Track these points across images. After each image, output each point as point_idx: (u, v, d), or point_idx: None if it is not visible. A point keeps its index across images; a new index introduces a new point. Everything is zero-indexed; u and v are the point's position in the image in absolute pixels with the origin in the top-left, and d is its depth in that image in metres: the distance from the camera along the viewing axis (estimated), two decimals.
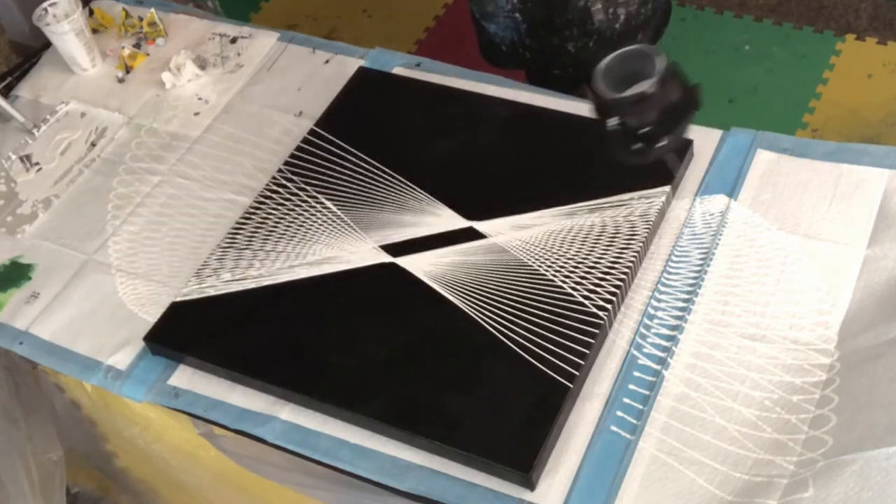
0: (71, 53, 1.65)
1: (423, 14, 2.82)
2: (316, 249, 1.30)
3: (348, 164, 1.38)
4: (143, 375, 1.24)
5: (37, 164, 1.55)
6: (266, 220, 1.35)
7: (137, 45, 1.69)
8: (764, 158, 1.29)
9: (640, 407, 1.09)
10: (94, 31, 1.71)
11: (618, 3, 1.61)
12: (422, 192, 1.33)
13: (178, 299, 1.28)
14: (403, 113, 1.46)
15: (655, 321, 1.16)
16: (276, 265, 1.29)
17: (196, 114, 1.56)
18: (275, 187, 1.38)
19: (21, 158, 1.56)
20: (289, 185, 1.38)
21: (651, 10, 1.67)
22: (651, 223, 1.22)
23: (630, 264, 1.18)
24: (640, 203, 1.24)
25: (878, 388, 1.01)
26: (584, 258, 1.20)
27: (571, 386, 1.09)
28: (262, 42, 1.65)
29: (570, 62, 1.71)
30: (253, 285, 1.27)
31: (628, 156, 1.22)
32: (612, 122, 1.19)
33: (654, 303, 1.17)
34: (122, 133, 1.56)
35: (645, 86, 1.16)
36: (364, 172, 1.37)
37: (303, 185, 1.37)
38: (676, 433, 1.06)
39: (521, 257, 1.22)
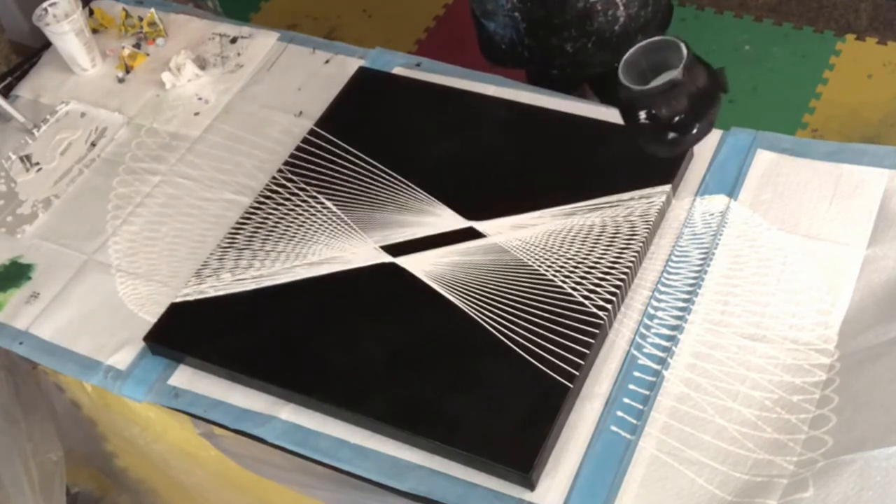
0: (71, 53, 1.65)
1: (423, 14, 2.82)
2: (316, 249, 1.30)
3: (348, 164, 1.38)
4: (143, 375, 1.24)
5: (37, 164, 1.55)
6: (266, 220, 1.35)
7: (137, 45, 1.69)
8: (764, 158, 1.29)
9: (640, 407, 1.09)
10: (94, 31, 1.71)
11: (617, 5, 1.60)
12: (422, 192, 1.33)
13: (178, 299, 1.28)
14: (403, 113, 1.46)
15: (655, 321, 1.16)
16: (276, 265, 1.29)
17: (196, 114, 1.56)
18: (275, 187, 1.38)
19: (21, 158, 1.56)
20: (289, 185, 1.38)
21: (651, 13, 1.67)
22: (651, 223, 1.22)
23: (630, 264, 1.18)
24: (640, 203, 1.24)
25: (878, 388, 1.01)
26: (584, 258, 1.20)
27: (571, 386, 1.09)
28: (262, 42, 1.65)
29: (568, 62, 1.71)
30: (253, 285, 1.27)
31: (661, 147, 1.21)
32: (643, 114, 1.18)
33: (654, 303, 1.17)
34: (122, 133, 1.56)
35: (672, 74, 1.15)
36: (364, 172, 1.37)
37: (303, 185, 1.37)
38: (676, 433, 1.06)
39: (521, 257, 1.22)
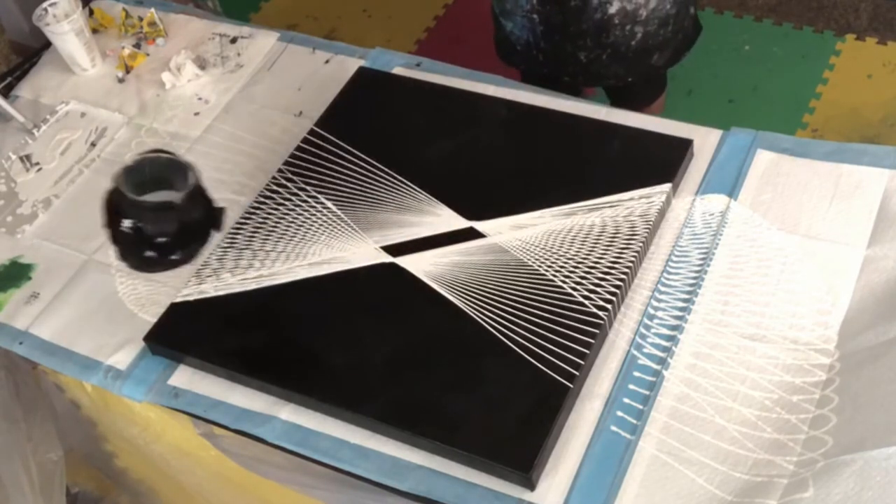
0: (71, 53, 1.65)
1: (423, 14, 2.82)
2: (316, 249, 1.30)
3: (348, 164, 1.38)
4: (143, 375, 1.24)
5: (37, 164, 1.55)
6: (266, 220, 1.35)
7: (137, 45, 1.69)
8: (764, 158, 1.29)
9: (640, 407, 1.09)
10: (94, 31, 1.71)
11: (636, 20, 1.60)
12: (422, 192, 1.33)
13: (178, 299, 1.28)
14: (403, 113, 1.46)
15: (655, 321, 1.16)
16: (276, 265, 1.29)
17: (196, 114, 1.56)
18: (275, 187, 1.38)
19: (21, 158, 1.56)
20: (289, 185, 1.38)
21: (671, 33, 1.66)
22: (651, 223, 1.22)
23: (630, 264, 1.18)
24: (640, 203, 1.24)
25: (878, 388, 1.01)
26: (584, 258, 1.20)
27: (571, 386, 1.09)
28: (262, 42, 1.65)
29: (581, 71, 1.70)
30: (253, 286, 1.27)
31: (135, 261, 1.24)
32: (128, 223, 1.20)
33: (654, 303, 1.17)
34: (122, 133, 1.56)
35: (172, 196, 1.18)
36: (364, 172, 1.37)
37: (303, 185, 1.37)
38: (676, 433, 1.06)
39: (521, 257, 1.22)
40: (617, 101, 1.93)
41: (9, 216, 1.48)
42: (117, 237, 1.23)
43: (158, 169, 1.23)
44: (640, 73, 1.72)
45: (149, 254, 1.22)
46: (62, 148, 1.57)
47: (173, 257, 1.22)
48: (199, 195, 1.22)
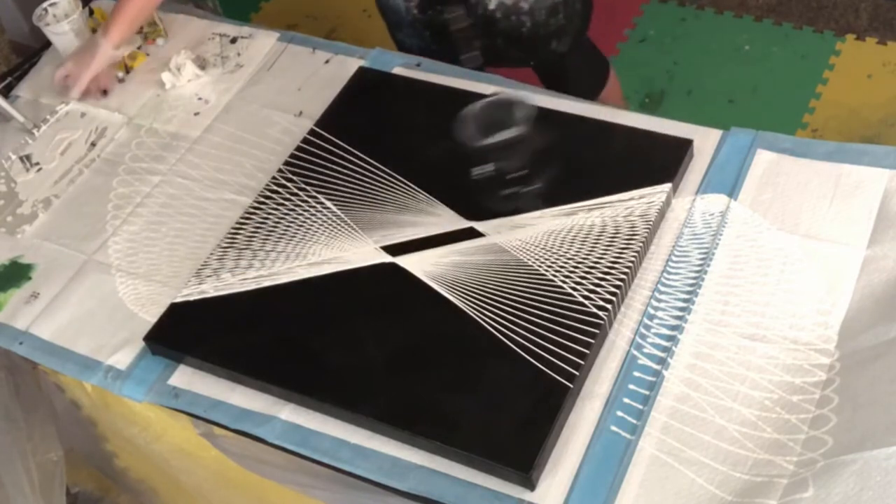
0: None
1: None
2: (316, 249, 1.30)
3: (348, 164, 1.38)
4: (143, 375, 1.24)
5: (37, 164, 1.55)
6: (266, 220, 1.35)
7: (138, 45, 1.69)
8: (764, 158, 1.29)
9: (640, 407, 1.09)
10: (94, 31, 1.71)
11: (520, 13, 1.58)
12: (422, 192, 1.33)
13: (178, 299, 1.28)
14: (403, 113, 1.46)
15: (655, 321, 1.16)
16: (276, 265, 1.29)
17: (196, 114, 1.56)
18: (275, 187, 1.38)
19: (21, 158, 1.56)
20: (289, 185, 1.38)
21: (564, 20, 1.63)
22: (651, 223, 1.22)
23: (630, 264, 1.18)
24: (640, 203, 1.24)
25: (878, 388, 1.01)
26: (584, 258, 1.20)
27: (571, 386, 1.09)
28: (262, 42, 1.65)
29: (482, 55, 1.69)
30: (253, 286, 1.27)
31: (498, 202, 1.24)
32: (484, 168, 1.21)
33: (654, 303, 1.17)
34: (122, 133, 1.56)
35: (515, 131, 1.19)
36: (364, 172, 1.37)
37: (303, 185, 1.37)
38: (676, 433, 1.06)
39: (521, 257, 1.22)
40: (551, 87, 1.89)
41: (9, 216, 1.48)
42: (477, 185, 1.25)
43: (490, 112, 1.24)
44: (542, 59, 1.71)
45: (509, 190, 1.23)
46: (62, 148, 1.57)
47: (532, 187, 1.24)
48: (537, 123, 1.22)
